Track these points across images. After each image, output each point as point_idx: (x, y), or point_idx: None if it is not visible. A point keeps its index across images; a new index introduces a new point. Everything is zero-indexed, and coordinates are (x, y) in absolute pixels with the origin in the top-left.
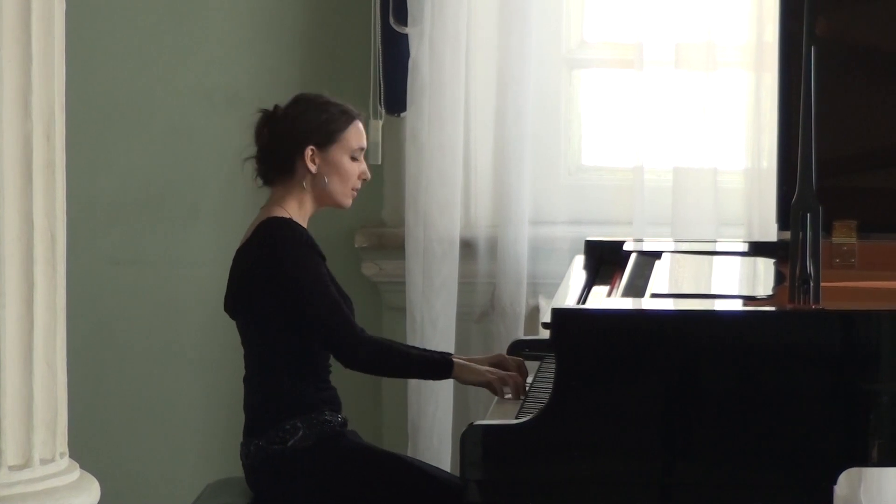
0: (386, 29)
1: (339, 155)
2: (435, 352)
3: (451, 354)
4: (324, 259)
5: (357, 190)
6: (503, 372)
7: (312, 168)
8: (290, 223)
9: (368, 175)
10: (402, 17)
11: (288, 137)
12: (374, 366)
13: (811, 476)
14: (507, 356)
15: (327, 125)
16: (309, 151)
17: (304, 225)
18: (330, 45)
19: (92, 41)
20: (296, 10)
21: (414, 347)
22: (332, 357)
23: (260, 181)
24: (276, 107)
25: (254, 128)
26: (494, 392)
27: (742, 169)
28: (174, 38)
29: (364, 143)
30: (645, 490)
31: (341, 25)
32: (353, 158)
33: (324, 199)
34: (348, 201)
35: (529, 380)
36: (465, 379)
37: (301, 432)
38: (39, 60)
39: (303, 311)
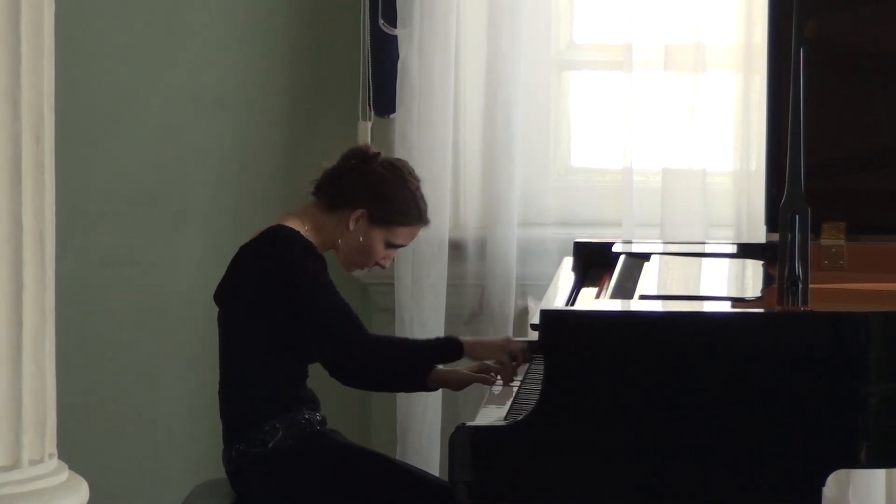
0: (375, 30)
1: (379, 238)
2: (439, 338)
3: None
4: (326, 267)
5: (364, 268)
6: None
7: (351, 226)
8: (298, 235)
9: (385, 266)
10: (392, 19)
11: (359, 186)
12: (379, 367)
13: (800, 477)
14: (513, 339)
15: (395, 212)
16: (359, 213)
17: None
18: (319, 46)
19: (81, 42)
20: (285, 12)
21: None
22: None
23: (312, 188)
24: (378, 154)
25: (348, 147)
26: (488, 381)
27: (731, 170)
28: (163, 39)
29: (406, 244)
30: (634, 491)
31: (330, 27)
32: (387, 246)
33: (336, 250)
34: (351, 269)
35: (517, 382)
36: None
37: (281, 433)
38: (28, 61)
39: (309, 317)
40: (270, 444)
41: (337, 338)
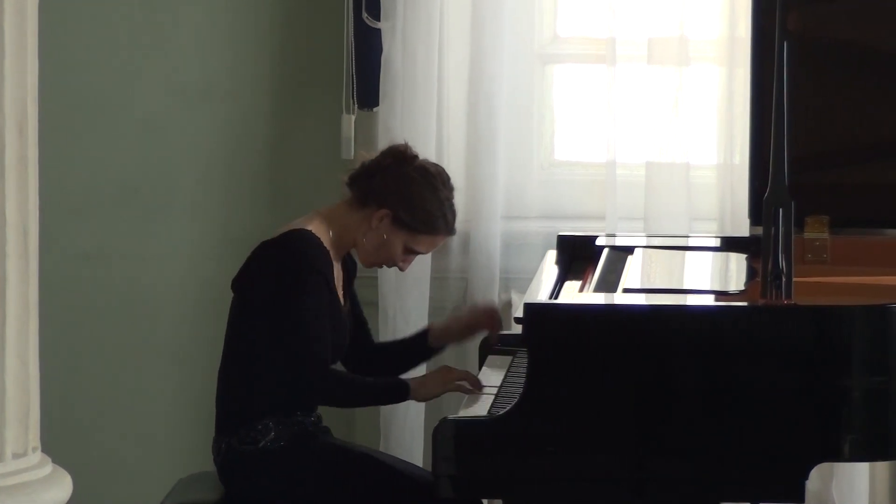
0: (359, 24)
1: (400, 242)
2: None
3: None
4: (328, 284)
5: (382, 267)
6: (455, 374)
7: (373, 224)
8: (315, 242)
9: (404, 270)
10: (375, 12)
11: (389, 186)
12: (326, 403)
13: (783, 471)
14: (477, 306)
15: (420, 219)
16: (383, 213)
17: (329, 248)
18: (303, 39)
19: (65, 34)
20: (269, 4)
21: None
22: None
23: (346, 178)
24: (416, 156)
25: (386, 146)
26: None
27: (714, 164)
28: (147, 32)
29: (426, 252)
30: (617, 484)
31: (314, 20)
32: (406, 251)
33: (357, 247)
34: (368, 265)
35: (501, 376)
36: (423, 396)
37: (272, 433)
38: (12, 53)
39: (282, 336)
40: (261, 444)
41: (293, 370)
